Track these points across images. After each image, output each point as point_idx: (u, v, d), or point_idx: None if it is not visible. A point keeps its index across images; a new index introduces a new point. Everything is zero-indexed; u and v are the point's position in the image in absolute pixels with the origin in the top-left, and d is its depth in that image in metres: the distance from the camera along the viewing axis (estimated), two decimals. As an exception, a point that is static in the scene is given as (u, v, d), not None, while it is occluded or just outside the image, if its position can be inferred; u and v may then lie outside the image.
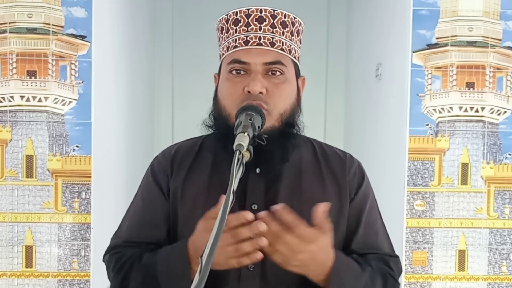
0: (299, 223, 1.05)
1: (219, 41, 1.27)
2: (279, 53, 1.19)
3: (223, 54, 1.24)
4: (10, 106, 2.23)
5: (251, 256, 1.04)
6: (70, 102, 2.25)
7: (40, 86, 2.23)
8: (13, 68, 2.23)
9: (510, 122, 2.36)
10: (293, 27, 1.22)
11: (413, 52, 2.33)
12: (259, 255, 1.05)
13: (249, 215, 1.02)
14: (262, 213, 1.05)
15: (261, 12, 1.20)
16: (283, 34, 1.20)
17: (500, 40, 2.34)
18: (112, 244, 1.29)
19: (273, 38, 1.19)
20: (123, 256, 1.23)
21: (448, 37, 2.33)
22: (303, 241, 1.05)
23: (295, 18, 1.23)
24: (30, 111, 2.24)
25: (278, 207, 1.06)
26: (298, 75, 1.26)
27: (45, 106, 2.24)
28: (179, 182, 1.24)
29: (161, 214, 1.25)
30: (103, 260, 1.30)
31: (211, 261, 0.79)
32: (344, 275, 1.12)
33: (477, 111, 2.35)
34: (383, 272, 1.23)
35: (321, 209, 1.06)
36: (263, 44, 1.18)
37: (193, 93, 3.76)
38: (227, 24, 1.22)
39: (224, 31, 1.24)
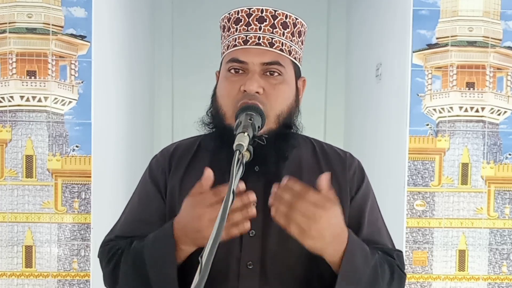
0: (308, 189, 1.04)
1: (221, 39, 1.27)
2: (278, 54, 1.19)
3: (223, 53, 1.25)
4: (10, 106, 2.23)
5: (240, 226, 1.04)
6: (70, 102, 2.25)
7: (40, 86, 2.23)
8: (13, 68, 2.22)
9: (510, 122, 2.35)
10: (294, 28, 1.22)
11: (413, 52, 2.32)
12: (247, 226, 1.05)
13: (242, 186, 1.03)
14: (274, 187, 1.05)
15: (262, 12, 1.20)
16: (283, 35, 1.20)
17: (500, 40, 2.34)
18: (105, 239, 1.31)
19: (272, 38, 1.19)
20: (115, 246, 1.24)
21: (448, 37, 2.33)
22: (317, 207, 1.03)
23: (297, 19, 1.23)
24: (29, 111, 2.24)
25: (285, 180, 1.05)
26: (298, 76, 1.26)
27: (45, 106, 2.24)
28: (177, 181, 1.25)
29: (155, 212, 1.25)
30: (98, 256, 1.31)
31: (211, 261, 0.79)
32: (356, 255, 1.10)
33: (477, 111, 2.34)
34: (390, 262, 1.22)
35: (325, 179, 1.06)
36: (262, 44, 1.18)
37: (193, 93, 3.75)
38: (229, 22, 1.23)
39: (225, 30, 1.24)
